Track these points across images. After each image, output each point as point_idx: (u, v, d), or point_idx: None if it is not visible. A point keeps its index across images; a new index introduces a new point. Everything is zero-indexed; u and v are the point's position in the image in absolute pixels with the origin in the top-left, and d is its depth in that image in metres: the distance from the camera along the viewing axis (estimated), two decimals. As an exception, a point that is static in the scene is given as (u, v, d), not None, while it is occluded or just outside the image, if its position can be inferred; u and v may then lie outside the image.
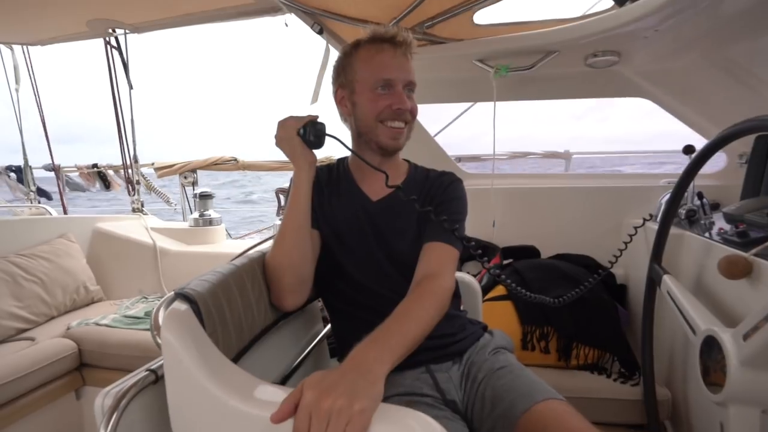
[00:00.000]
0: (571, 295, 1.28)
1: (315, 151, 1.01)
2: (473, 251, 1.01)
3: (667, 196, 1.54)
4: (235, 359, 0.85)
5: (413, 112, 1.01)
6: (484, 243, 1.99)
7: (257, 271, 0.98)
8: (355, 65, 1.01)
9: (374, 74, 0.98)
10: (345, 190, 1.07)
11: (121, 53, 2.50)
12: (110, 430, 0.65)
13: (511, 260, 1.83)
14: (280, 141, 0.98)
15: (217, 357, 0.70)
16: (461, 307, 1.16)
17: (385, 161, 1.04)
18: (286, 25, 1.88)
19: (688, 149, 1.48)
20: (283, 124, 0.97)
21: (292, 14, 1.68)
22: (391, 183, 0.96)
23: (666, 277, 1.17)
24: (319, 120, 0.98)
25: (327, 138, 1.00)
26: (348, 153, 1.07)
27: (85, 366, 1.83)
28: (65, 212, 3.42)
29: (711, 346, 0.90)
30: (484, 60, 1.79)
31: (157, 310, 0.77)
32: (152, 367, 0.74)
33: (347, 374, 0.61)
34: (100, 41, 2.53)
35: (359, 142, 1.06)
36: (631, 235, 1.52)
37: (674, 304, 1.08)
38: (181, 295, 0.76)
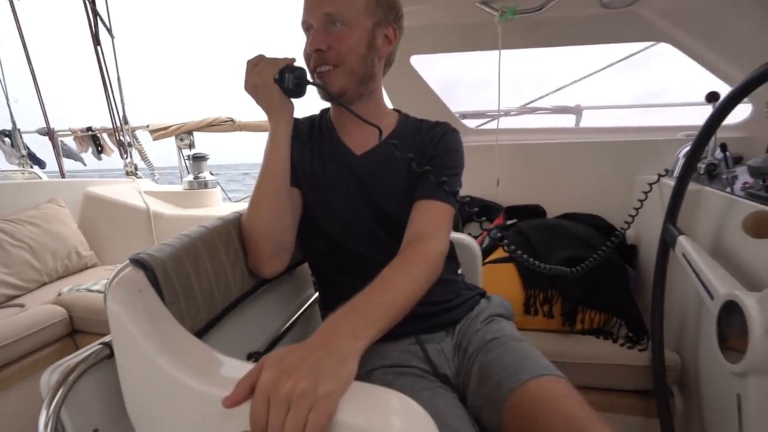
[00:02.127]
0: (589, 263, 1.19)
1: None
2: (469, 208, 0.91)
3: (686, 150, 1.42)
4: (205, 330, 0.78)
5: (339, 50, 0.84)
6: (486, 202, 1.89)
7: (233, 234, 0.89)
8: None
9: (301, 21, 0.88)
10: (327, 144, 0.97)
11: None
12: (54, 408, 0.58)
13: (515, 220, 1.73)
14: (253, 88, 0.83)
15: (173, 330, 0.62)
16: (459, 271, 1.07)
17: (358, 110, 0.88)
18: None
19: (712, 96, 1.34)
20: (255, 68, 0.82)
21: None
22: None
23: (681, 238, 1.07)
24: (296, 64, 0.85)
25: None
26: (329, 104, 0.97)
27: (77, 332, 1.80)
28: (63, 177, 3.35)
29: (731, 312, 0.81)
30: (487, 2, 1.62)
31: (112, 278, 0.69)
32: (107, 341, 0.66)
33: (314, 351, 0.53)
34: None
35: None
36: (645, 192, 1.40)
37: (690, 267, 0.99)
38: (136, 261, 0.67)
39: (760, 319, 0.74)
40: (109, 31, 2.47)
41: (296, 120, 0.95)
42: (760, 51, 1.44)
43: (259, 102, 0.85)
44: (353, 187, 0.93)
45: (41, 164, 3.51)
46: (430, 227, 0.83)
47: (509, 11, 1.61)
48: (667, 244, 1.17)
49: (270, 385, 0.47)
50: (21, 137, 3.18)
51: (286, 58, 0.84)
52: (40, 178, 2.75)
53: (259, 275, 0.92)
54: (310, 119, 1.02)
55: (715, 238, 1.11)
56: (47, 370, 0.64)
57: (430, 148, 0.93)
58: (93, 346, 0.67)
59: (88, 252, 2.25)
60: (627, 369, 1.27)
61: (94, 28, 2.46)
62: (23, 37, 2.73)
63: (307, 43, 0.87)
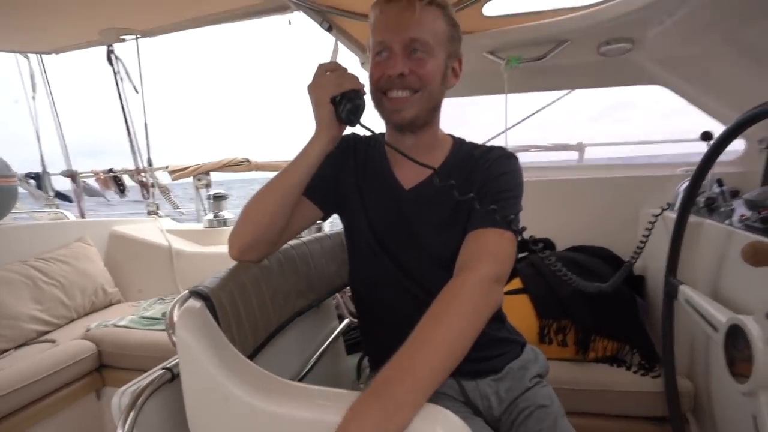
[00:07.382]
0: (616, 279, 1.28)
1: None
2: (525, 238, 0.81)
3: (685, 185, 1.51)
4: (251, 356, 0.85)
5: (421, 75, 0.81)
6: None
7: (273, 269, 0.98)
8: (370, 32, 0.87)
9: (374, 39, 0.85)
10: (376, 172, 0.95)
11: (121, 61, 2.52)
12: (128, 428, 0.65)
13: (526, 253, 1.81)
14: (311, 96, 0.80)
15: (232, 354, 0.70)
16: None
17: (418, 139, 0.89)
18: (290, 23, 1.88)
19: (706, 136, 1.44)
20: (322, 77, 0.79)
21: (299, 12, 1.68)
22: (427, 162, 0.81)
23: (683, 287, 1.15)
24: (362, 91, 0.80)
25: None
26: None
27: (104, 367, 1.86)
28: (83, 217, 3.49)
29: (735, 336, 0.87)
30: (494, 52, 1.76)
31: (172, 308, 0.77)
32: (168, 366, 0.74)
33: None
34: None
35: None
36: (650, 224, 1.48)
37: (695, 310, 1.06)
38: (196, 293, 0.76)
39: (760, 334, 0.80)
40: (134, 88, 2.65)
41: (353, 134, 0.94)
42: (749, 92, 1.55)
43: (312, 107, 0.82)
44: (397, 223, 0.91)
45: (69, 199, 3.65)
46: (477, 254, 0.76)
47: (514, 60, 1.75)
48: (670, 296, 1.23)
49: None
50: (49, 179, 3.33)
51: (354, 81, 0.79)
52: (66, 218, 2.87)
53: (229, 252, 0.90)
54: (366, 139, 0.99)
55: (716, 267, 1.18)
56: (116, 393, 0.71)
57: (482, 173, 0.88)
58: (156, 371, 0.74)
59: (113, 288, 2.33)
60: (641, 396, 1.32)
61: (118, 79, 2.65)
62: (49, 89, 2.92)
63: (378, 63, 0.84)
